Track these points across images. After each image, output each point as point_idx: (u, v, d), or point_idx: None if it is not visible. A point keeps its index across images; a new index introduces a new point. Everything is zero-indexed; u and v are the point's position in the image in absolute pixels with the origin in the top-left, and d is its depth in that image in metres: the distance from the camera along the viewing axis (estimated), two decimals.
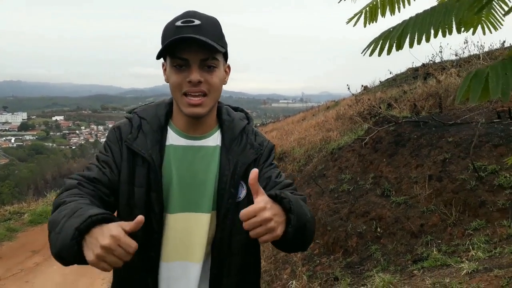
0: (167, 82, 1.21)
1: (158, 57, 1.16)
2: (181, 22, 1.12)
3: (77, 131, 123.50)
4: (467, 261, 2.94)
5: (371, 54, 1.44)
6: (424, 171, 4.51)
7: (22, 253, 6.33)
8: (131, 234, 1.18)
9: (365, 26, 1.77)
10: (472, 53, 7.82)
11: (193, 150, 1.25)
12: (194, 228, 1.22)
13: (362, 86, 13.22)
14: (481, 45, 8.01)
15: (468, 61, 7.76)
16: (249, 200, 1.22)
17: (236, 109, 1.41)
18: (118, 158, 1.22)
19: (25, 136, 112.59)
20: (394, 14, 1.76)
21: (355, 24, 1.76)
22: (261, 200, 0.98)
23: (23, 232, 7.48)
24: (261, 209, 0.95)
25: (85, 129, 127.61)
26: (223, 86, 1.25)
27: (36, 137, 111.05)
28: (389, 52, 1.41)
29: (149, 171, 1.20)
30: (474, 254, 3.08)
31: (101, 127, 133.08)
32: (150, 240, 1.20)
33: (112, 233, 0.91)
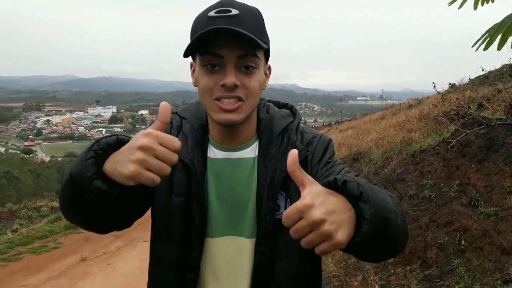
0: (196, 86, 1.02)
1: (185, 55, 0.96)
2: (215, 12, 0.92)
3: None
4: None
5: (486, 48, 1.22)
6: None
7: (106, 237, 6.77)
8: (163, 255, 1.05)
9: (475, 8, 1.51)
10: None
11: (230, 164, 1.05)
12: (237, 255, 1.04)
13: (450, 84, 12.30)
14: None
15: None
16: None
17: (284, 105, 1.19)
18: None
19: (114, 128, 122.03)
20: None
21: (460, 6, 1.51)
22: (308, 193, 0.69)
23: None
24: (307, 206, 0.66)
25: None
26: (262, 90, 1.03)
27: (124, 129, 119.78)
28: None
29: (189, 178, 1.02)
30: None
31: None
32: (189, 259, 1.03)
33: (147, 131, 0.75)
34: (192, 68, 1.04)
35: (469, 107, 7.08)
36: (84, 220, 0.91)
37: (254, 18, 0.95)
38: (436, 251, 4.03)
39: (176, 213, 1.03)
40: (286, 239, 0.97)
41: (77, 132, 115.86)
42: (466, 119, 5.97)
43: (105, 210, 0.85)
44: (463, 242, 3.92)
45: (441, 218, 4.31)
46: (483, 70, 13.94)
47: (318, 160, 1.05)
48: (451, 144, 5.19)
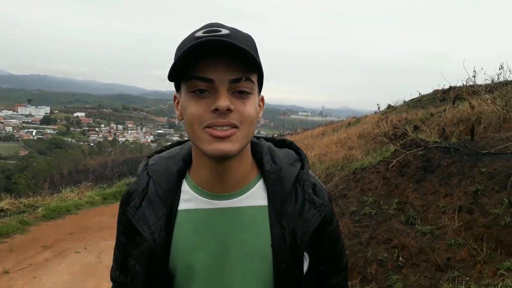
0: (181, 119, 0.89)
1: (170, 77, 0.84)
2: (203, 32, 0.81)
3: (97, 129, 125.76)
4: None
5: None
6: (454, 201, 4.27)
7: (33, 248, 6.28)
8: None
9: None
10: (508, 80, 7.54)
11: (225, 215, 0.89)
12: None
13: (387, 105, 13.00)
14: None
15: (502, 87, 7.49)
16: (311, 272, 0.94)
17: (282, 143, 1.04)
18: (130, 231, 0.94)
19: (46, 130, 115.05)
20: None
21: None
22: None
23: (36, 226, 7.44)
24: None
25: (104, 127, 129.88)
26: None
27: (57, 131, 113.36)
28: None
29: (151, 253, 0.88)
30: None
31: (120, 126, 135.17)
32: None
33: None
34: (176, 101, 0.92)
35: (406, 129, 7.49)
36: None
37: (246, 39, 0.85)
38: (375, 267, 4.15)
39: (137, 285, 0.92)
40: None
41: (3, 132, 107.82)
42: (405, 140, 6.29)
43: None
44: (401, 258, 4.07)
45: (380, 234, 4.46)
46: (419, 94, 14.88)
47: (329, 222, 0.97)
48: (391, 164, 5.43)
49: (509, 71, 8.43)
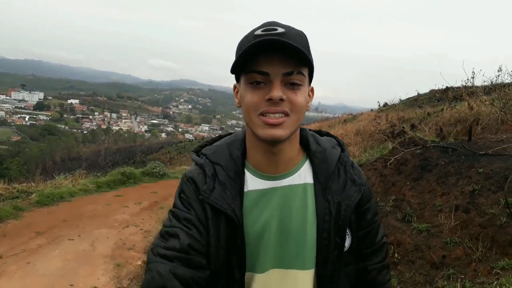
0: (239, 106, 1.00)
1: (232, 70, 0.95)
2: (261, 31, 0.91)
3: (91, 116, 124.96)
4: None
5: None
6: (450, 200, 4.31)
7: (26, 233, 6.24)
8: None
9: None
10: (505, 82, 7.58)
11: (277, 193, 1.00)
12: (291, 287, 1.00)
13: (384, 102, 13.03)
14: None
15: (500, 89, 7.53)
16: (352, 249, 1.05)
17: (319, 132, 1.15)
18: (202, 216, 0.98)
19: (39, 116, 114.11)
20: None
21: None
22: None
23: (29, 212, 7.39)
24: None
25: (98, 115, 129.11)
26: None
27: (50, 117, 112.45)
28: None
29: (230, 229, 0.98)
30: None
31: (114, 115, 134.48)
32: None
33: None
34: (236, 90, 1.02)
35: (403, 127, 7.53)
36: None
37: (300, 36, 0.94)
38: None
39: (217, 264, 0.98)
40: (347, 271, 1.05)
41: None
42: (403, 138, 6.31)
43: None
44: (396, 255, 4.10)
45: None
46: (418, 93, 14.94)
47: (366, 202, 1.08)
48: (389, 162, 5.45)
49: (507, 73, 8.47)
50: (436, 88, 15.47)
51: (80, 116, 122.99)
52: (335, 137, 1.14)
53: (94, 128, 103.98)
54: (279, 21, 0.96)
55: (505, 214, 3.75)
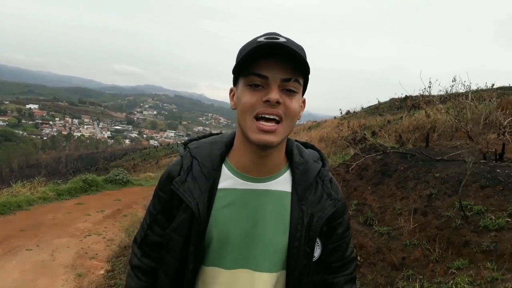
0: (234, 109, 1.04)
1: (234, 71, 1.00)
2: (264, 38, 0.97)
3: (51, 122, 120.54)
4: None
5: None
6: (409, 204, 4.48)
7: None
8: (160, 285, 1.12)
9: None
10: (459, 91, 7.99)
11: (257, 195, 1.05)
12: None
13: (346, 111, 13.37)
14: (468, 85, 8.20)
15: (454, 98, 7.91)
16: (321, 260, 1.10)
17: (305, 144, 1.21)
18: (167, 207, 1.08)
19: None
20: None
21: None
22: None
23: None
24: None
25: (59, 120, 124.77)
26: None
27: (7, 123, 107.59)
28: None
29: (191, 221, 1.03)
30: None
31: (76, 120, 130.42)
32: None
33: None
34: (232, 93, 1.06)
35: (365, 134, 7.76)
36: None
37: (299, 47, 0.98)
38: None
39: (174, 250, 1.05)
40: (313, 280, 1.08)
41: None
42: (364, 144, 6.50)
43: None
44: (359, 258, 4.21)
45: None
46: (378, 102, 15.38)
47: (340, 217, 1.13)
48: (351, 167, 5.60)
49: (461, 83, 8.91)
50: (396, 97, 16.03)
51: (40, 121, 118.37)
52: (319, 151, 1.19)
53: (55, 134, 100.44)
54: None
55: (459, 217, 3.94)
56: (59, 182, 12.24)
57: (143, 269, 1.15)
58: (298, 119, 1.05)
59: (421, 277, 3.66)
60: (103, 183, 11.82)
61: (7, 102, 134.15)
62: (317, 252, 1.07)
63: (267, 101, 0.94)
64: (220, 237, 1.03)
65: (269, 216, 1.04)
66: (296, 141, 1.19)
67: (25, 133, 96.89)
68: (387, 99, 18.22)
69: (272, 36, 0.97)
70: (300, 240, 1.03)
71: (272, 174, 1.06)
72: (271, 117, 0.95)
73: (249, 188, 1.04)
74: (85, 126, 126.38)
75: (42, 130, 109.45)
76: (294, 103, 0.97)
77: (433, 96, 8.39)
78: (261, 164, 1.04)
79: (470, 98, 6.67)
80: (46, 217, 7.71)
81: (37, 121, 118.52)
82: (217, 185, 1.05)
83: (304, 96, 1.05)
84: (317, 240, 1.07)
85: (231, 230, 1.03)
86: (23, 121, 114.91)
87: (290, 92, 0.97)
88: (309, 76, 1.02)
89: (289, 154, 1.11)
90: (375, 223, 4.54)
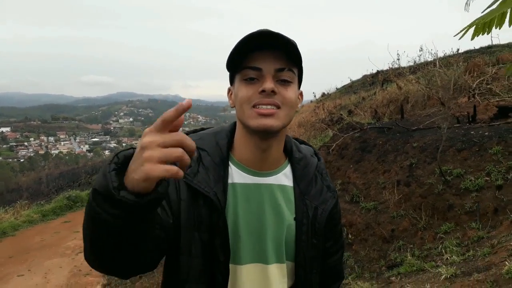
0: (232, 107, 1.04)
1: (228, 66, 1.00)
2: (256, 32, 0.96)
3: (26, 143, 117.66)
4: (443, 266, 2.97)
5: (472, 38, 1.79)
6: (392, 176, 4.57)
7: None
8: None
9: (472, 39, 1.95)
10: (428, 60, 8.12)
11: (261, 189, 1.04)
12: (268, 282, 1.04)
13: (322, 93, 13.44)
14: (435, 53, 8.34)
15: (423, 67, 8.05)
16: (325, 249, 1.12)
17: (297, 140, 1.21)
18: (173, 196, 0.99)
19: None
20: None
21: (461, 37, 1.96)
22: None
23: None
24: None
25: (34, 140, 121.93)
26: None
27: None
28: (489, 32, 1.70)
29: (211, 213, 0.99)
30: (448, 257, 3.12)
31: (51, 138, 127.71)
32: None
33: (146, 130, 0.68)
34: (230, 92, 1.06)
35: (341, 114, 7.84)
36: (109, 258, 0.81)
37: (291, 41, 0.98)
38: None
39: (200, 249, 0.99)
40: (318, 268, 1.09)
41: None
42: (341, 124, 6.57)
43: (132, 237, 0.79)
44: (350, 236, 4.29)
45: None
46: (350, 80, 15.48)
47: (334, 207, 1.12)
48: (331, 148, 5.66)
49: (428, 52, 9.05)
50: (368, 73, 16.19)
51: (14, 144, 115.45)
52: (311, 146, 1.21)
53: (32, 155, 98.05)
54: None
55: (441, 182, 4.04)
56: (42, 203, 12.00)
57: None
58: (297, 111, 1.04)
59: (411, 246, 3.75)
60: (88, 197, 11.66)
61: None
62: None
63: (263, 91, 0.94)
64: (234, 233, 1.02)
65: (274, 210, 1.04)
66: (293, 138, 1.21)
67: (0, 158, 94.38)
68: (359, 76, 18.43)
69: (263, 30, 0.96)
70: (308, 234, 1.04)
71: (273, 169, 1.06)
72: (268, 106, 0.95)
73: (252, 183, 1.04)
74: (62, 143, 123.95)
75: (17, 152, 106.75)
76: (290, 92, 0.97)
77: (403, 68, 8.52)
78: (263, 158, 1.03)
79: (438, 65, 6.80)
80: (34, 240, 7.59)
81: (11, 143, 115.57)
82: (228, 180, 1.04)
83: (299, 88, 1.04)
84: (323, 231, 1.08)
85: (240, 225, 1.02)
86: None
87: (285, 82, 0.97)
88: (302, 67, 1.02)
89: (287, 150, 1.11)
90: (361, 199, 4.62)
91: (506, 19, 2.03)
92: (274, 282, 1.04)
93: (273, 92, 0.94)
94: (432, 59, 8.05)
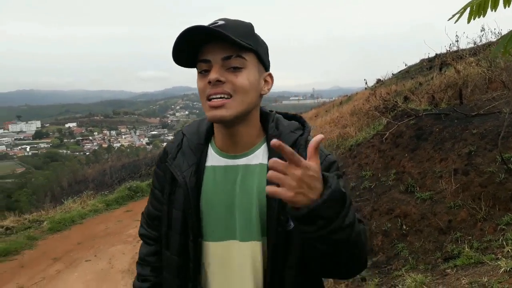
0: None
1: (175, 61, 1.05)
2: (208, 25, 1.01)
3: (90, 137, 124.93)
4: (503, 258, 2.82)
5: (468, 21, 1.67)
6: (449, 165, 4.37)
7: (44, 261, 6.32)
8: (166, 264, 1.18)
9: (468, 22, 1.83)
10: (490, 41, 7.60)
11: (234, 171, 1.10)
12: (238, 259, 1.09)
13: (376, 79, 13.03)
14: (498, 32, 7.78)
15: (485, 49, 7.55)
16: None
17: (293, 117, 1.21)
18: (163, 182, 1.17)
19: (39, 144, 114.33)
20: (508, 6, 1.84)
21: (456, 21, 1.84)
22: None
23: (43, 240, 7.48)
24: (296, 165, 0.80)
25: (97, 134, 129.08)
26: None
27: (51, 144, 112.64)
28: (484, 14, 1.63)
29: (184, 194, 1.11)
30: (510, 250, 2.95)
31: (113, 132, 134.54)
32: (187, 270, 1.13)
33: None
34: None
35: (396, 101, 7.57)
36: None
37: (240, 25, 1.02)
38: (381, 238, 4.26)
39: (176, 226, 1.13)
40: (292, 249, 1.07)
41: None
42: (396, 111, 6.36)
43: None
44: (404, 226, 4.17)
45: (382, 206, 4.56)
46: (406, 65, 14.89)
47: None
48: (385, 136, 5.51)
49: (491, 32, 8.46)
50: (426, 57, 15.45)
51: (80, 138, 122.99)
52: (301, 121, 1.18)
53: (96, 148, 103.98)
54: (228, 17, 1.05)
55: (503, 171, 3.81)
56: (106, 193, 12.73)
57: (150, 236, 1.27)
58: (264, 94, 1.09)
59: (470, 237, 3.59)
60: (147, 188, 12.20)
61: (47, 125, 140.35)
62: (290, 221, 1.04)
63: (209, 82, 0.99)
64: (207, 212, 1.10)
65: (247, 190, 1.08)
66: (279, 113, 1.20)
67: (68, 151, 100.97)
68: (417, 61, 17.62)
69: (214, 21, 1.02)
70: (274, 209, 1.03)
71: (247, 150, 1.11)
72: (218, 96, 0.99)
73: (228, 165, 1.10)
74: (123, 136, 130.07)
75: (83, 146, 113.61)
76: (240, 79, 1.00)
77: (463, 50, 8.04)
78: (233, 142, 1.10)
79: None
80: (99, 228, 8.08)
81: (77, 138, 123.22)
82: (205, 162, 1.12)
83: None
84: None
85: (215, 205, 1.09)
86: (65, 140, 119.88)
87: (235, 69, 1.00)
88: (263, 49, 1.06)
89: (265, 127, 1.14)
90: (416, 189, 4.47)
91: (500, 0, 1.84)
92: (245, 259, 1.08)
93: (219, 81, 0.99)
94: (495, 40, 7.53)
